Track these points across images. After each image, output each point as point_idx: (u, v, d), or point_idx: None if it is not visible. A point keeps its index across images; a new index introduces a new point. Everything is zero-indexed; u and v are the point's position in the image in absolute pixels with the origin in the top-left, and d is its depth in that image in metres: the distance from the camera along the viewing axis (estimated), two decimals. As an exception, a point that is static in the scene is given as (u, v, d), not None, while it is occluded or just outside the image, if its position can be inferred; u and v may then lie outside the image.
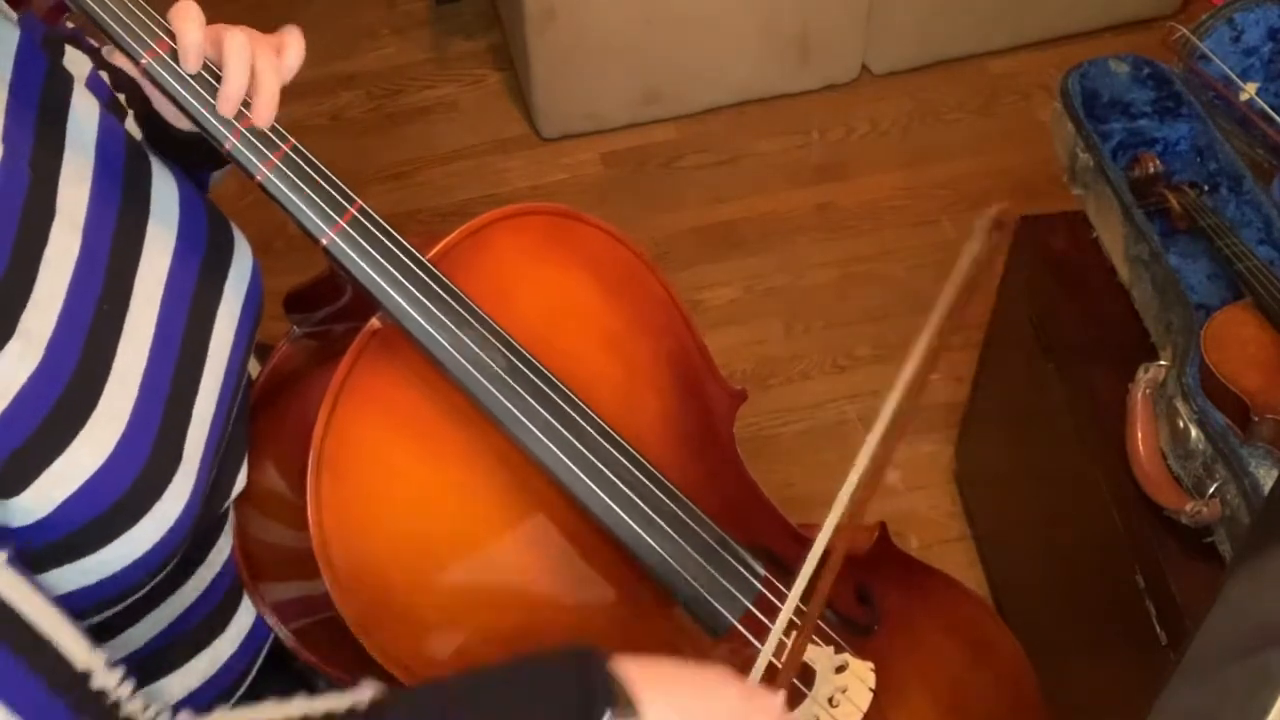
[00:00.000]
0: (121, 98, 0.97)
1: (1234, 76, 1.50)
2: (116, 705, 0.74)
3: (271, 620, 0.99)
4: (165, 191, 0.93)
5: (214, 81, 0.86)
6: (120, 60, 0.89)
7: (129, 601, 0.89)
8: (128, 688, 0.76)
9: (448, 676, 0.85)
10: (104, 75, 0.96)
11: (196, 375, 0.90)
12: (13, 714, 0.68)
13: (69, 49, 0.93)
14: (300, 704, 0.80)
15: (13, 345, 0.76)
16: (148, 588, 0.89)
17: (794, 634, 0.97)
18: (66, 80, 0.90)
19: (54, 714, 0.70)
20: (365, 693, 0.80)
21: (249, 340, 0.97)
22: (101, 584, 0.83)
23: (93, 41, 0.97)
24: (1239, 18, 1.53)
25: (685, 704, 0.82)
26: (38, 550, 0.78)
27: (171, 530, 0.84)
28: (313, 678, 1.14)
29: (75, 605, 0.80)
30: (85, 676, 0.73)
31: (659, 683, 0.81)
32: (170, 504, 0.84)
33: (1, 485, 0.75)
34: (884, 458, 1.00)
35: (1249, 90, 1.50)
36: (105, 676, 0.74)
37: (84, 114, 0.89)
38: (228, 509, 0.97)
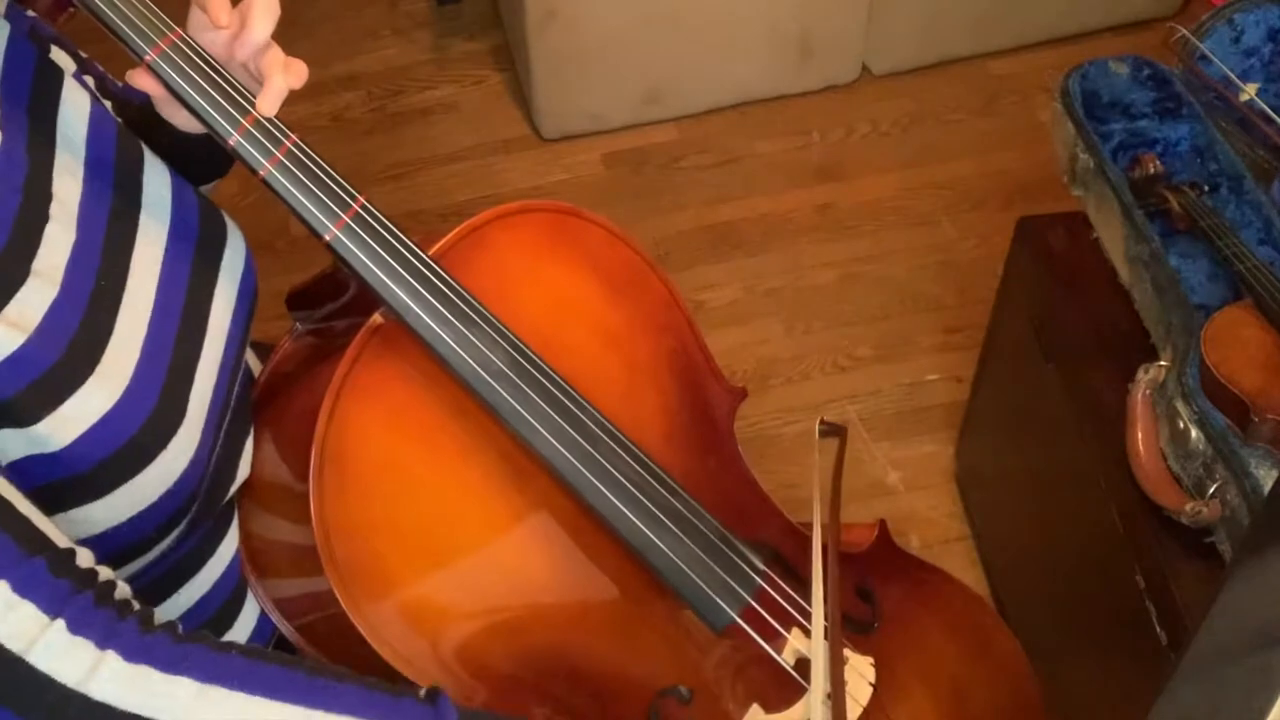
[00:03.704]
0: (108, 105, 0.98)
1: (1234, 77, 1.51)
2: (112, 585, 0.74)
3: (275, 616, 0.99)
4: (157, 181, 0.94)
5: (219, 79, 0.87)
6: (143, 81, 0.90)
7: (138, 579, 0.90)
8: (127, 588, 0.75)
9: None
10: (89, 81, 0.96)
11: (197, 345, 0.91)
12: None
13: (53, 48, 0.93)
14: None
15: (21, 294, 0.78)
16: (152, 554, 0.90)
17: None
18: (56, 73, 0.90)
19: (28, 569, 0.69)
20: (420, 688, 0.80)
21: (246, 322, 0.98)
22: (105, 537, 0.84)
23: (80, 52, 0.98)
24: (1239, 18, 1.53)
25: None
26: (51, 486, 0.80)
27: (174, 487, 0.86)
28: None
29: None
30: (70, 553, 0.73)
31: None
32: (174, 457, 0.85)
33: (17, 414, 0.76)
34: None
35: (1249, 91, 1.50)
36: (96, 566, 0.74)
37: (74, 107, 0.90)
38: (232, 502, 0.97)
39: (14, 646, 0.67)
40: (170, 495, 0.86)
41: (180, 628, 0.75)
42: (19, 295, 0.78)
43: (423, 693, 0.80)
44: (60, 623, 0.68)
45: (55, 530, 0.74)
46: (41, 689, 0.67)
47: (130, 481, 0.83)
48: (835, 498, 1.08)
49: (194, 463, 0.87)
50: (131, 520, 0.84)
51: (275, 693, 0.72)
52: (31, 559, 0.70)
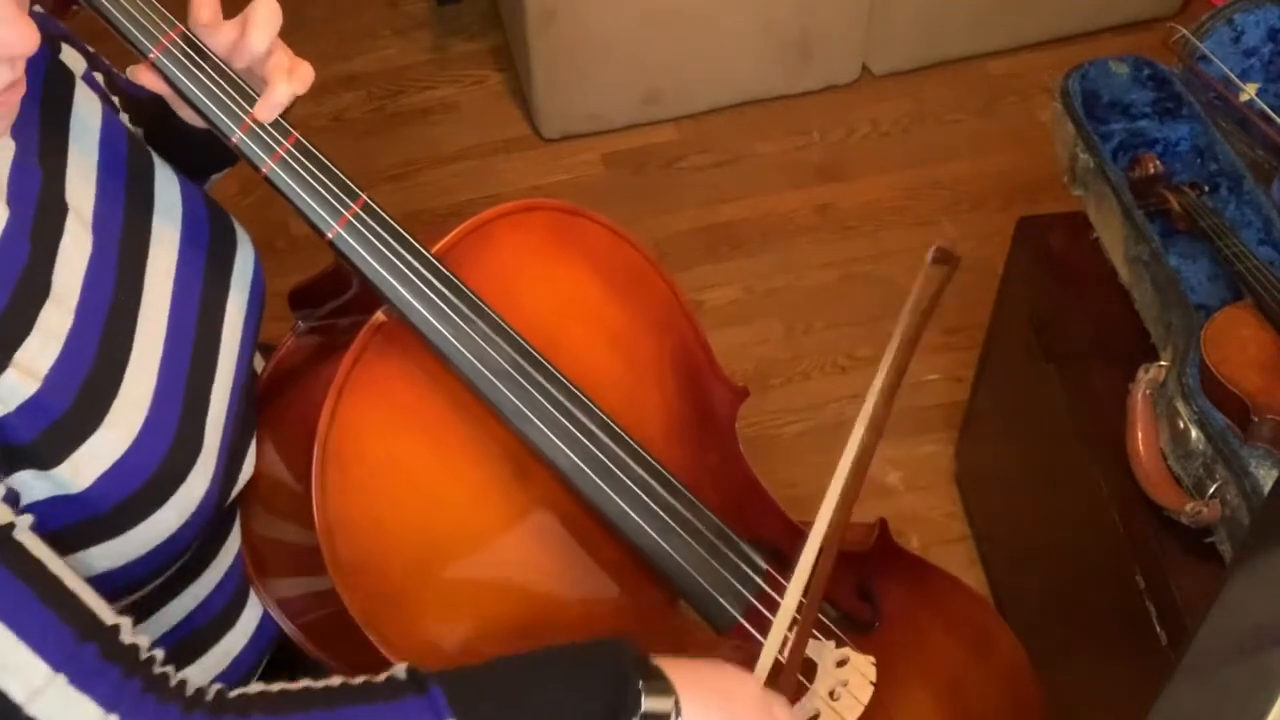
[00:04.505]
0: (116, 100, 0.97)
1: (1234, 77, 1.51)
2: (151, 661, 0.75)
3: (277, 615, 0.99)
4: (167, 186, 0.94)
5: (221, 78, 0.87)
6: (146, 78, 0.89)
7: (147, 589, 0.90)
8: (159, 653, 0.76)
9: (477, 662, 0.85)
10: (99, 77, 0.96)
11: (211, 364, 0.91)
12: (41, 660, 0.69)
13: (64, 45, 0.93)
14: (337, 679, 0.80)
15: (32, 340, 0.78)
16: (163, 578, 0.90)
17: (795, 629, 0.98)
18: (68, 76, 0.90)
19: (83, 658, 0.70)
20: (400, 667, 0.81)
21: (256, 330, 0.98)
22: (128, 567, 0.84)
23: (88, 47, 0.98)
24: (1239, 18, 1.53)
25: (710, 698, 0.84)
26: (75, 526, 0.80)
27: (194, 515, 0.86)
28: (320, 673, 1.14)
29: (99, 590, 0.81)
30: (115, 629, 0.74)
31: (686, 671, 0.84)
32: (194, 487, 0.86)
33: (38, 458, 0.77)
34: (868, 458, 1.05)
35: (1249, 91, 1.51)
36: (134, 635, 0.75)
37: (86, 110, 0.90)
38: (235, 503, 0.97)
39: None
40: (188, 525, 0.87)
41: (209, 693, 0.77)
42: (28, 341, 0.78)
43: (403, 673, 0.80)
44: (115, 718, 0.70)
45: (100, 602, 0.75)
46: None
47: (153, 516, 0.83)
48: (923, 322, 1.08)
49: (210, 490, 0.88)
50: (151, 551, 0.85)
51: None
52: (85, 645, 0.71)
